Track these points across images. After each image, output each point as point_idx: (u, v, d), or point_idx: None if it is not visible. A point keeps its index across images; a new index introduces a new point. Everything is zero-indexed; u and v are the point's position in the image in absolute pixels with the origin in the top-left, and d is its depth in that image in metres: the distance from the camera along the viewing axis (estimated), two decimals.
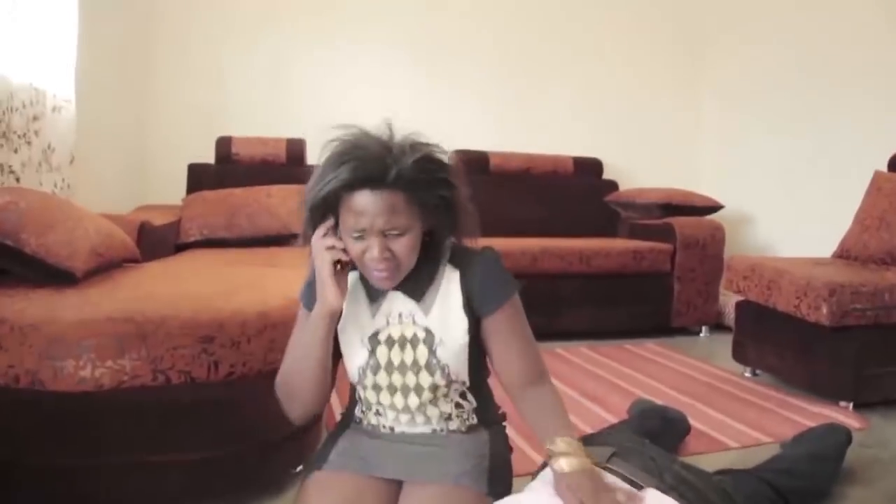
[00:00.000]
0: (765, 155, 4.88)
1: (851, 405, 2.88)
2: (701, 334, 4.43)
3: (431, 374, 1.38)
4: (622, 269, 4.19)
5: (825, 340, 2.90)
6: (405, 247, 1.28)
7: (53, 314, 1.70)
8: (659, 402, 2.64)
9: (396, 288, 1.38)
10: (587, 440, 1.60)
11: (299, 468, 1.94)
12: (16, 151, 2.67)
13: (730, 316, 4.43)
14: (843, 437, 2.13)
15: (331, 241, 1.30)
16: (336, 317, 1.35)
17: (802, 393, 3.09)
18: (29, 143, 2.76)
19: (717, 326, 4.52)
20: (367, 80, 4.75)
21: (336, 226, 1.31)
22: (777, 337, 3.19)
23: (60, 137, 3.03)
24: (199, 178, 4.04)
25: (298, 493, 1.40)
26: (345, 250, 1.30)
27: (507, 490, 1.45)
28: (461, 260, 1.39)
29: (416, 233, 1.29)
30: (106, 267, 2.31)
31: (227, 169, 4.11)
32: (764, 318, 3.26)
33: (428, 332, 1.38)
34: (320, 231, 1.31)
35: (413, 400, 1.40)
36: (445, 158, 1.30)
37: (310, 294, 1.40)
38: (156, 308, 1.75)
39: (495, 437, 1.52)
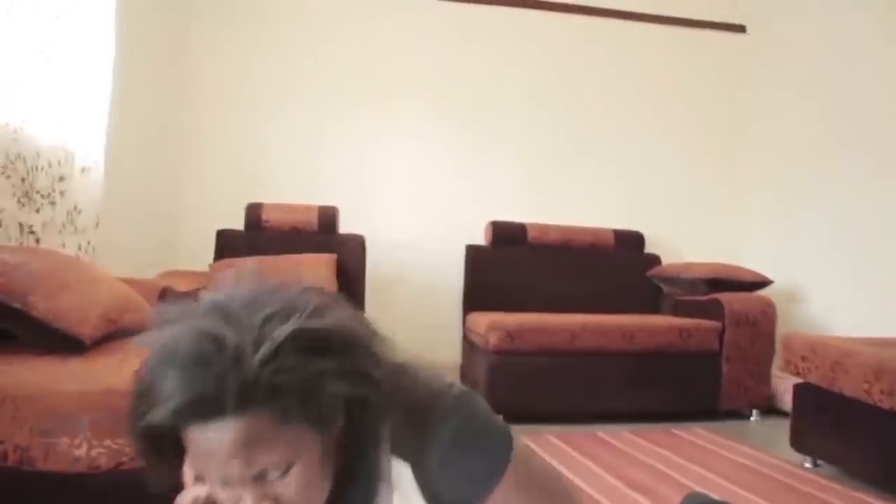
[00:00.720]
0: (814, 227, 4.66)
1: None
2: (752, 418, 4.13)
3: None
4: (667, 348, 3.95)
5: None
6: (298, 486, 0.81)
7: (49, 385, 1.55)
8: (715, 496, 2.39)
9: None
10: None
11: None
12: (38, 211, 2.58)
13: (783, 399, 4.15)
14: None
15: (189, 495, 0.83)
16: None
17: (873, 488, 2.80)
18: (53, 203, 2.67)
19: (770, 410, 4.23)
20: (401, 148, 4.67)
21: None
22: (843, 424, 2.92)
23: (87, 199, 2.95)
24: (227, 244, 3.93)
25: None
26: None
27: None
28: (408, 445, 0.90)
29: (312, 459, 0.82)
30: (119, 335, 2.16)
31: (256, 236, 3.99)
32: (827, 403, 2.99)
33: None
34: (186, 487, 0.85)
35: None
36: (337, 323, 0.83)
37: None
38: None
39: None
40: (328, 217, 4.07)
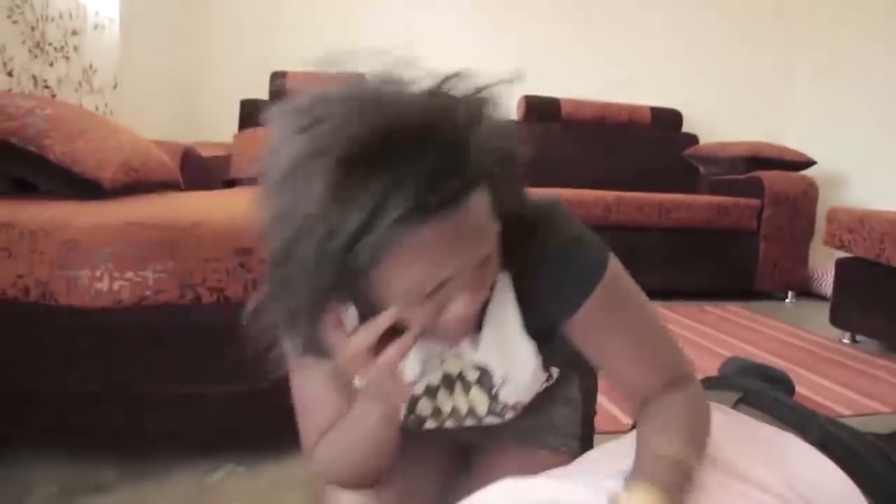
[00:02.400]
0: (863, 108, 4.43)
1: None
2: (787, 300, 4.05)
3: (500, 416, 1.01)
4: (705, 225, 3.83)
5: None
6: (493, 273, 0.79)
7: (68, 219, 1.46)
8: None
9: None
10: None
11: None
12: (51, 65, 2.47)
13: (819, 282, 4.05)
14: None
15: (372, 332, 0.74)
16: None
17: None
18: (67, 58, 2.55)
19: (805, 293, 4.13)
20: (430, 13, 4.43)
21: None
22: (889, 297, 2.81)
23: (103, 58, 2.83)
24: (251, 115, 3.79)
25: None
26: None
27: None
28: (510, 253, 0.82)
29: (495, 249, 0.77)
30: (140, 186, 2.08)
31: None
32: (873, 275, 2.87)
33: (482, 370, 0.95)
34: (341, 335, 0.76)
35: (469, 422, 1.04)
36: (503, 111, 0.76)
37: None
38: (186, 214, 1.50)
39: (586, 376, 1.19)
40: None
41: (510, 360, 0.93)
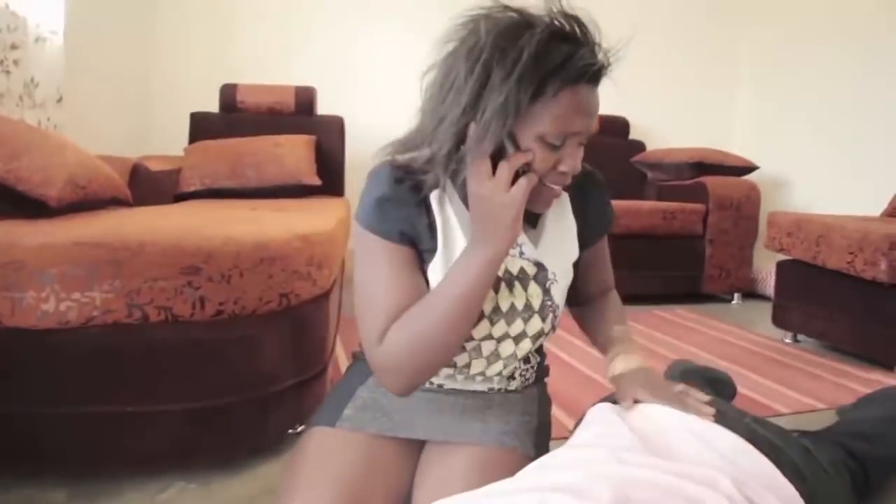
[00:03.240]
0: (801, 114, 4.58)
1: None
2: (733, 301, 4.16)
3: (543, 318, 1.15)
4: (651, 231, 3.92)
5: (883, 299, 2.63)
6: (582, 154, 1.04)
7: (13, 240, 1.45)
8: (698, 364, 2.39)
9: None
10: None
11: (300, 428, 1.70)
12: None
13: (763, 283, 4.17)
14: None
15: (521, 158, 0.98)
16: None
17: (852, 359, 2.83)
18: (7, 72, 2.52)
19: (750, 294, 4.25)
20: (382, 23, 4.45)
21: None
22: (825, 298, 2.92)
23: (46, 71, 2.79)
24: (202, 127, 3.77)
25: (294, 454, 1.14)
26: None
27: (546, 452, 1.21)
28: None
29: None
30: (88, 204, 2.07)
31: (231, 118, 3.84)
32: (810, 277, 2.98)
33: (539, 266, 1.14)
34: (507, 178, 0.97)
35: (506, 348, 1.16)
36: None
37: (382, 215, 1.05)
38: (133, 233, 1.50)
39: (543, 393, 1.34)
40: (306, 98, 3.91)
41: (561, 260, 1.17)
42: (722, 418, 1.14)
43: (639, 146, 4.75)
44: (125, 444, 1.51)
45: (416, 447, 1.18)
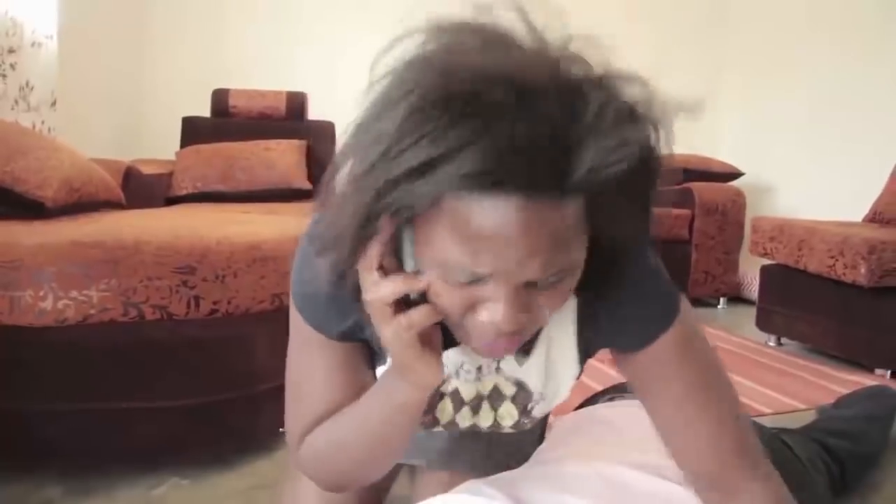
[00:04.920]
0: (786, 121, 4.64)
1: (889, 373, 2.67)
2: (719, 306, 4.21)
3: (518, 427, 0.93)
4: None
5: (863, 303, 2.69)
6: (557, 301, 0.65)
7: (11, 239, 1.49)
8: None
9: None
10: (620, 388, 1.41)
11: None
12: None
13: (749, 288, 4.23)
14: (893, 399, 1.92)
15: (401, 286, 0.63)
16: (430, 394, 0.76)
17: (833, 361, 2.89)
18: (4, 75, 2.55)
19: (736, 299, 4.31)
20: (374, 29, 4.48)
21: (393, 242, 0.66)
22: (807, 301, 2.98)
23: (40, 75, 2.82)
24: (193, 131, 3.81)
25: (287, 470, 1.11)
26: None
27: None
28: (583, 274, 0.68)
29: (578, 272, 0.64)
30: (83, 206, 2.10)
31: (223, 122, 3.87)
32: (793, 281, 3.04)
33: (520, 386, 0.87)
34: (371, 260, 0.64)
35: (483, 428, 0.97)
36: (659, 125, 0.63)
37: (319, 317, 0.79)
38: (129, 233, 1.54)
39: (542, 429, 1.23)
40: (297, 103, 3.95)
41: (554, 381, 0.86)
42: None
43: None
44: (120, 440, 1.54)
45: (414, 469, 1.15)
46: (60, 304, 1.43)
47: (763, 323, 3.26)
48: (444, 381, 0.85)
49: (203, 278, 1.53)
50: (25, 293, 1.42)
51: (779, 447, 1.23)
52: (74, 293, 1.43)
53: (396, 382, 0.72)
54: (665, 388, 0.80)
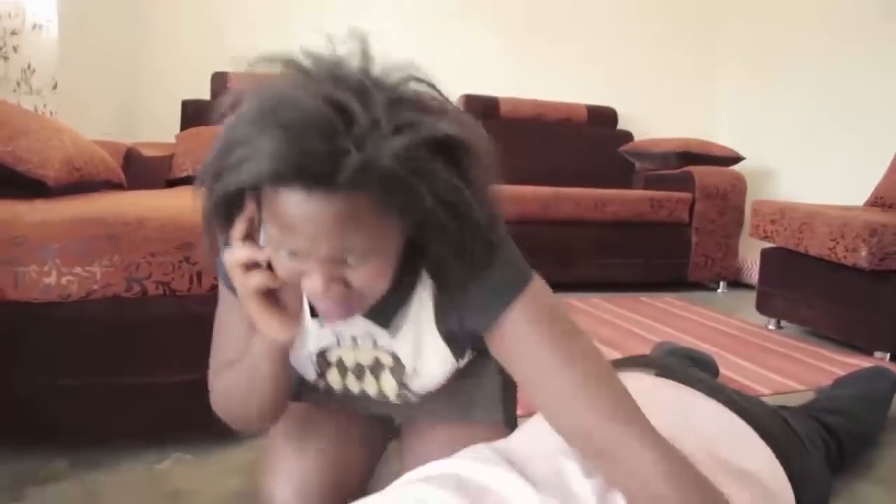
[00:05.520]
0: (786, 106, 4.64)
1: (889, 356, 2.69)
2: (719, 290, 4.23)
3: (405, 401, 1.07)
4: (638, 218, 3.98)
5: (863, 286, 2.70)
6: (369, 277, 0.77)
7: (15, 216, 1.50)
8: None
9: None
10: (621, 363, 1.42)
11: None
12: None
13: (749, 272, 4.24)
14: (891, 380, 1.93)
15: (244, 253, 0.79)
16: (288, 347, 0.90)
17: (833, 344, 2.90)
18: (6, 58, 2.55)
19: (735, 283, 4.32)
20: (373, 14, 4.48)
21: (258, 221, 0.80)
22: (807, 284, 2.99)
23: (42, 58, 2.82)
24: (193, 115, 3.80)
25: (272, 430, 1.17)
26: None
27: (515, 418, 1.25)
28: (441, 264, 0.85)
29: (390, 251, 0.78)
30: (84, 185, 2.11)
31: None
32: (793, 264, 3.05)
33: (395, 358, 0.99)
34: (235, 233, 0.79)
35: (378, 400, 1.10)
36: (452, 128, 0.72)
37: (222, 269, 0.94)
38: (132, 210, 1.54)
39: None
40: None
41: (422, 358, 0.97)
42: (705, 389, 1.20)
43: (627, 136, 4.80)
44: (124, 414, 1.56)
45: (389, 425, 1.23)
46: (64, 280, 1.43)
47: (763, 306, 3.27)
48: (327, 351, 1.01)
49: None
50: (30, 269, 1.43)
51: (778, 421, 1.24)
52: (78, 269, 1.44)
53: (259, 339, 0.88)
54: (530, 364, 0.87)
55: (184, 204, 1.70)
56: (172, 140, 3.62)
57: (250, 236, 0.79)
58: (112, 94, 3.94)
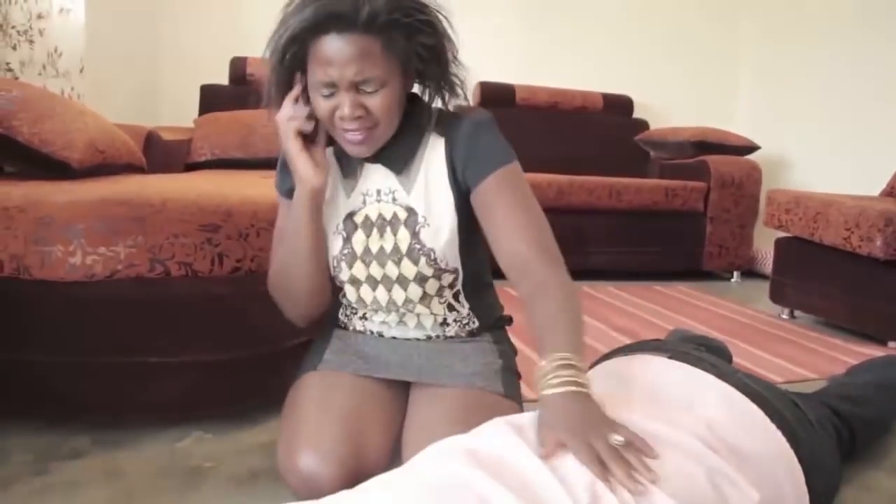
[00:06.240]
0: (803, 95, 4.61)
1: None
2: (733, 279, 4.23)
3: (415, 261, 1.22)
4: (653, 207, 3.98)
5: (877, 276, 2.70)
6: (382, 104, 1.10)
7: (42, 197, 1.53)
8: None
9: (374, 160, 1.21)
10: (634, 347, 1.44)
11: None
12: (14, 48, 2.50)
13: (763, 262, 4.24)
14: None
15: (288, 110, 1.14)
16: (320, 195, 1.19)
17: (846, 334, 2.91)
18: (31, 41, 2.58)
19: (749, 273, 4.32)
20: None
21: (305, 91, 1.14)
22: (822, 274, 2.99)
23: (69, 41, 2.85)
24: (212, 99, 3.83)
25: (289, 398, 1.26)
26: (311, 117, 1.15)
27: (519, 395, 1.31)
28: (447, 125, 1.21)
29: (395, 88, 1.11)
30: (107, 168, 2.14)
31: (241, 91, 3.88)
32: (807, 254, 3.05)
33: (410, 211, 1.22)
34: (286, 104, 1.15)
35: (398, 294, 1.25)
36: (436, 5, 1.12)
37: (284, 178, 1.27)
38: (156, 192, 1.57)
39: (500, 340, 1.38)
40: None
41: (433, 205, 1.21)
42: (716, 371, 1.21)
43: (642, 125, 4.79)
44: (146, 393, 1.59)
45: (403, 386, 1.29)
46: (89, 260, 1.46)
47: (776, 296, 3.27)
48: (354, 214, 1.25)
49: (227, 236, 1.57)
50: (56, 248, 1.46)
51: (790, 405, 1.26)
52: (102, 249, 1.47)
53: (297, 190, 1.19)
54: (497, 207, 1.16)
55: (206, 187, 1.74)
56: (191, 124, 3.66)
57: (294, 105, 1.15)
58: (133, 77, 3.97)
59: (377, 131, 1.12)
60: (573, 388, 0.92)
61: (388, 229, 1.22)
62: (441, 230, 1.20)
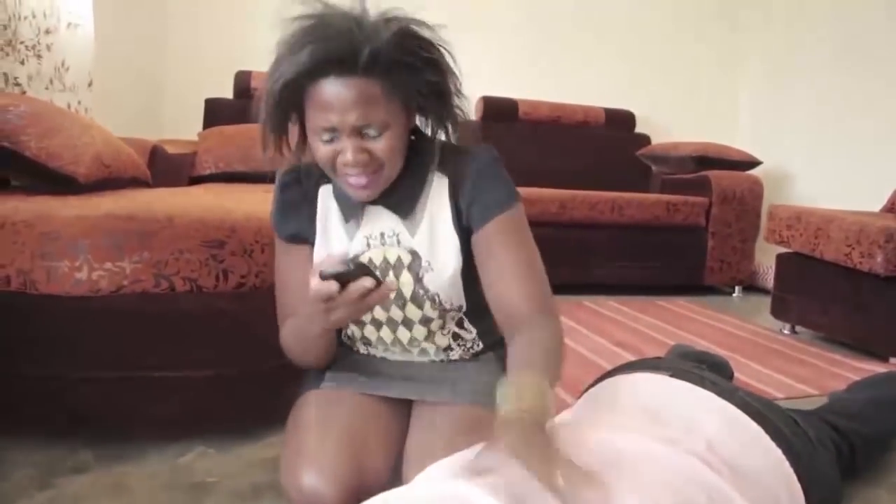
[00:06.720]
0: (805, 111, 4.63)
1: None
2: (734, 294, 4.24)
3: (419, 305, 1.20)
4: (655, 221, 3.99)
5: (878, 292, 2.71)
6: (386, 147, 1.06)
7: (49, 212, 1.55)
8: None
9: (378, 202, 1.17)
10: (635, 365, 1.45)
11: None
12: (22, 63, 2.52)
13: (764, 277, 4.25)
14: None
15: (323, 287, 0.97)
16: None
17: (847, 350, 2.91)
18: (39, 56, 2.60)
19: (751, 288, 4.33)
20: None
21: (302, 132, 1.11)
22: (823, 290, 3.00)
23: (76, 56, 2.88)
24: (216, 113, 3.85)
25: (291, 416, 1.25)
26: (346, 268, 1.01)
27: None
28: (451, 163, 1.17)
29: (398, 129, 1.07)
30: (112, 182, 2.16)
31: (245, 104, 3.87)
32: (808, 269, 3.06)
33: (414, 255, 1.18)
34: (318, 265, 1.02)
35: (403, 334, 1.26)
36: (430, 34, 1.07)
37: (286, 222, 1.24)
38: (161, 208, 1.59)
39: (503, 357, 1.33)
40: None
41: (438, 249, 1.18)
42: (716, 390, 1.22)
43: (644, 140, 4.81)
44: (150, 408, 1.60)
45: (406, 404, 1.28)
46: (95, 275, 1.48)
47: (778, 311, 3.28)
48: (358, 257, 1.20)
49: (231, 252, 1.58)
50: (62, 263, 1.47)
51: (789, 423, 1.26)
52: (108, 264, 1.48)
53: (312, 323, 1.09)
54: (497, 254, 1.14)
55: (210, 203, 1.75)
56: (195, 138, 3.68)
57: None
58: (139, 91, 4.00)
59: (382, 174, 1.09)
60: (524, 415, 0.90)
61: (391, 273, 1.19)
62: (445, 273, 1.18)
